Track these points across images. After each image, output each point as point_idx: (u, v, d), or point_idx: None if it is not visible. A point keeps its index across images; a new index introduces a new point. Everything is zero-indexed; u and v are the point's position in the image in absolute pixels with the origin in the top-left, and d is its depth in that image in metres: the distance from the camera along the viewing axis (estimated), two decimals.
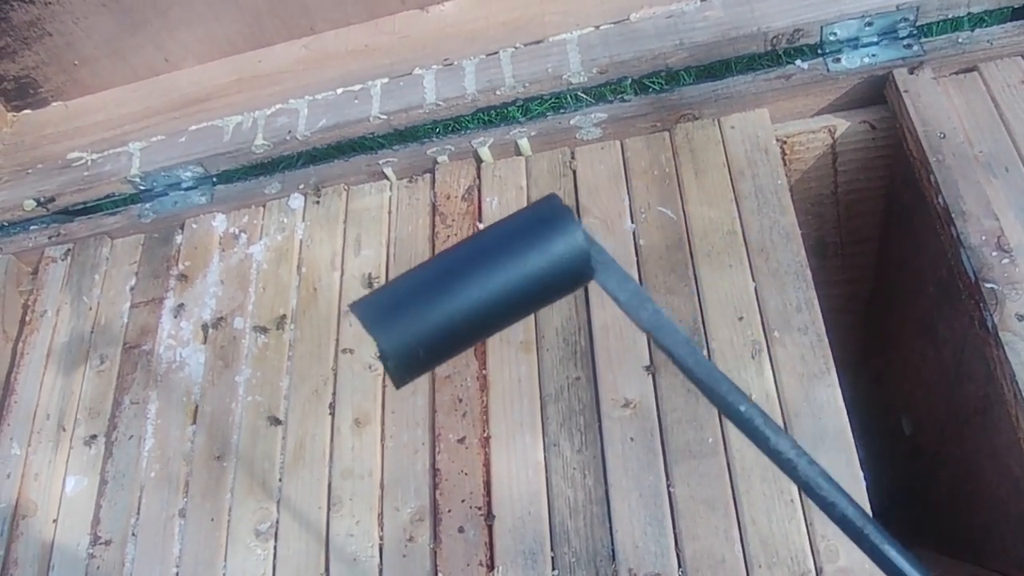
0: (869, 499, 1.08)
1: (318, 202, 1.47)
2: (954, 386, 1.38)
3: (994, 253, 1.16)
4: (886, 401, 1.65)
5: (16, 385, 1.46)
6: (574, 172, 1.38)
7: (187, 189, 1.53)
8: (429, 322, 0.57)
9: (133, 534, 1.30)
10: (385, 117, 1.43)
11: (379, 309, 0.58)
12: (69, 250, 1.56)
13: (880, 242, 1.53)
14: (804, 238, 1.26)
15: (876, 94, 1.36)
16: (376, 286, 1.37)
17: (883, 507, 1.08)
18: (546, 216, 0.60)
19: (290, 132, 1.47)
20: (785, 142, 1.37)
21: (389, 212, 1.43)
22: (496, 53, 1.43)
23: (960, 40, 1.32)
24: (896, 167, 1.39)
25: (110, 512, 1.33)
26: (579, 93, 1.44)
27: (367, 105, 1.45)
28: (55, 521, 1.35)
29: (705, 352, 1.20)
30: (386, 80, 1.46)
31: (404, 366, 0.58)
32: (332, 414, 1.30)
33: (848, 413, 1.14)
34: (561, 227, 0.59)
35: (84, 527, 1.33)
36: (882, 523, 1.00)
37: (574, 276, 0.62)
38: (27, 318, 1.52)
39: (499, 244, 0.59)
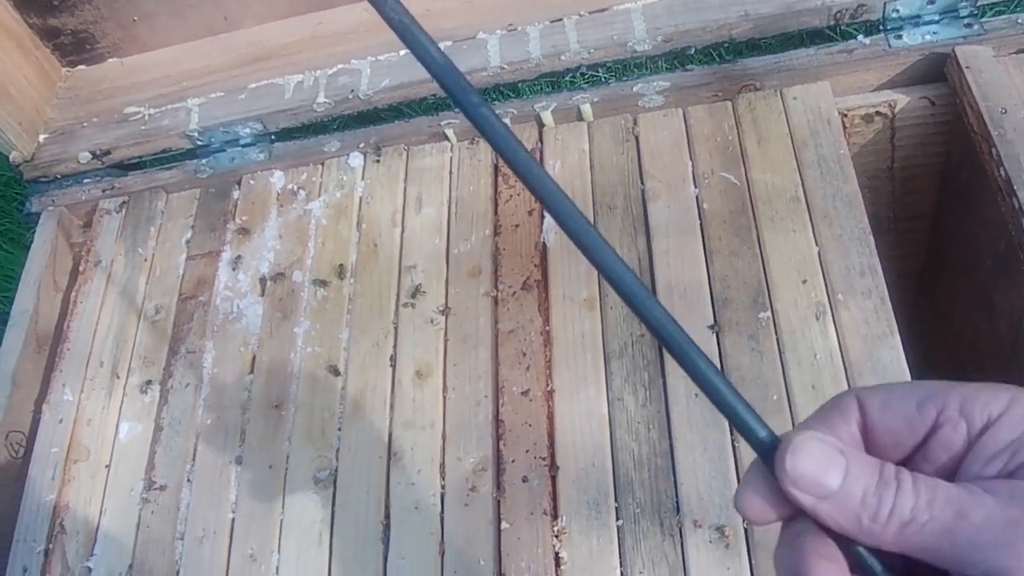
0: None
1: (378, 161, 1.48)
2: (1010, 359, 1.40)
3: None
4: (936, 376, 1.66)
5: (69, 333, 1.46)
6: (636, 138, 1.40)
7: (245, 146, 1.54)
8: None
9: (188, 480, 1.30)
10: None
11: None
12: (124, 203, 1.57)
13: (933, 219, 1.55)
14: None
15: (936, 72, 1.38)
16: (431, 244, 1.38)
17: None
18: None
19: (352, 91, 1.48)
20: (845, 115, 1.39)
21: (450, 172, 1.44)
22: (560, 20, 1.45)
23: (1020, 21, 1.35)
24: (954, 143, 1.41)
25: (165, 458, 1.33)
26: (642, 61, 1.45)
27: None
28: (107, 467, 1.35)
29: (769, 313, 1.22)
30: (449, 43, 1.48)
31: None
32: (393, 366, 1.31)
33: None
34: None
35: (138, 473, 1.33)
36: None
37: None
38: (80, 268, 1.52)
39: None
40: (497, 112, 1.40)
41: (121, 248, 1.52)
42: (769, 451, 0.47)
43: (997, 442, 0.42)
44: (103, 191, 1.58)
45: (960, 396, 0.44)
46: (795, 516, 0.46)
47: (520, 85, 1.52)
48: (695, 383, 0.49)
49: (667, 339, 0.48)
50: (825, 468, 0.44)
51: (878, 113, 1.39)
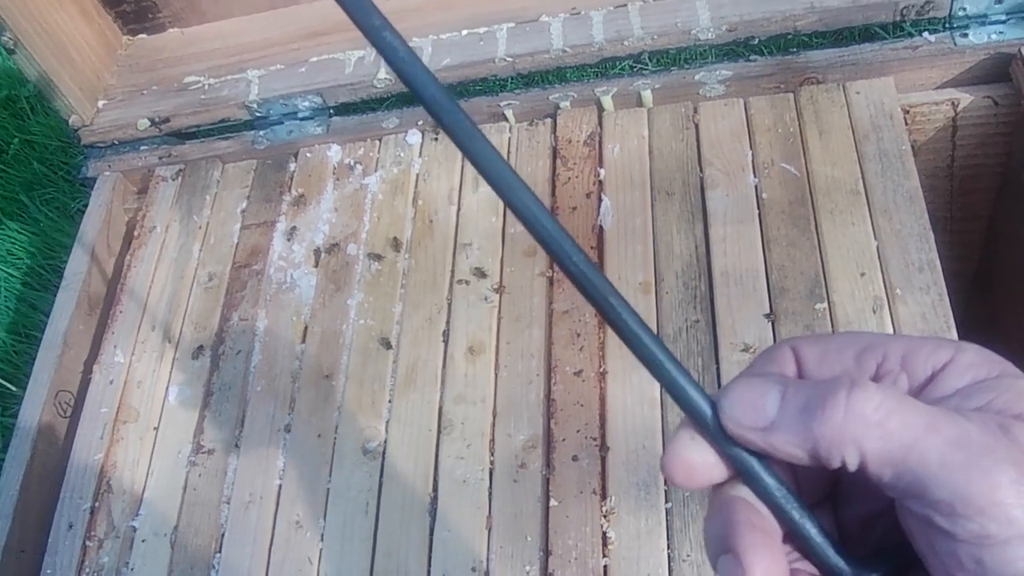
0: None
1: (436, 139, 1.49)
2: None
3: None
4: None
5: (122, 296, 1.48)
6: (696, 126, 1.40)
7: (303, 119, 1.55)
8: None
9: (236, 445, 1.31)
10: (510, 60, 1.45)
11: None
12: (180, 171, 1.58)
13: (990, 220, 1.54)
14: None
15: (1001, 72, 1.37)
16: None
17: None
18: None
19: None
20: (907, 112, 1.38)
21: (509, 152, 1.45)
22: (624, 5, 1.45)
23: None
24: (1016, 145, 1.41)
25: (214, 422, 1.34)
26: (705, 49, 1.45)
27: (492, 47, 1.47)
28: (156, 428, 1.36)
29: (825, 304, 1.21)
30: (512, 25, 1.48)
31: None
32: (445, 341, 1.31)
33: None
34: None
35: (186, 436, 1.34)
36: None
37: None
38: (135, 232, 1.54)
39: None
40: (557, 94, 1.41)
41: (176, 215, 1.53)
42: (704, 413, 0.42)
43: (943, 391, 0.39)
44: (160, 158, 1.60)
45: (901, 348, 0.41)
46: (724, 483, 0.43)
47: (585, 67, 1.51)
48: (624, 343, 0.43)
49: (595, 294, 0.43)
50: (762, 395, 0.40)
51: (940, 111, 1.38)
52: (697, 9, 1.42)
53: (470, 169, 1.45)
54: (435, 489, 1.21)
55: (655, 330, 1.24)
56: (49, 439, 1.42)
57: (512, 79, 1.48)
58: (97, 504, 1.32)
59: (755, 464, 0.41)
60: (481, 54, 1.46)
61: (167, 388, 1.39)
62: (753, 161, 1.35)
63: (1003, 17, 1.37)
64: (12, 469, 1.36)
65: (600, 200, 1.36)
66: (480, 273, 1.34)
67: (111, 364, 1.42)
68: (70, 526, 1.32)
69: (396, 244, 1.40)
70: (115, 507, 1.31)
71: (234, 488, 1.28)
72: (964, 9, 1.36)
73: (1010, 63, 1.35)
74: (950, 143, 1.42)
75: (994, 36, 1.36)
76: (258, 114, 1.56)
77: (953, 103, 1.38)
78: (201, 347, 1.40)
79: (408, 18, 1.54)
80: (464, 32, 1.49)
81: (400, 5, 1.56)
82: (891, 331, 1.18)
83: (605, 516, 1.14)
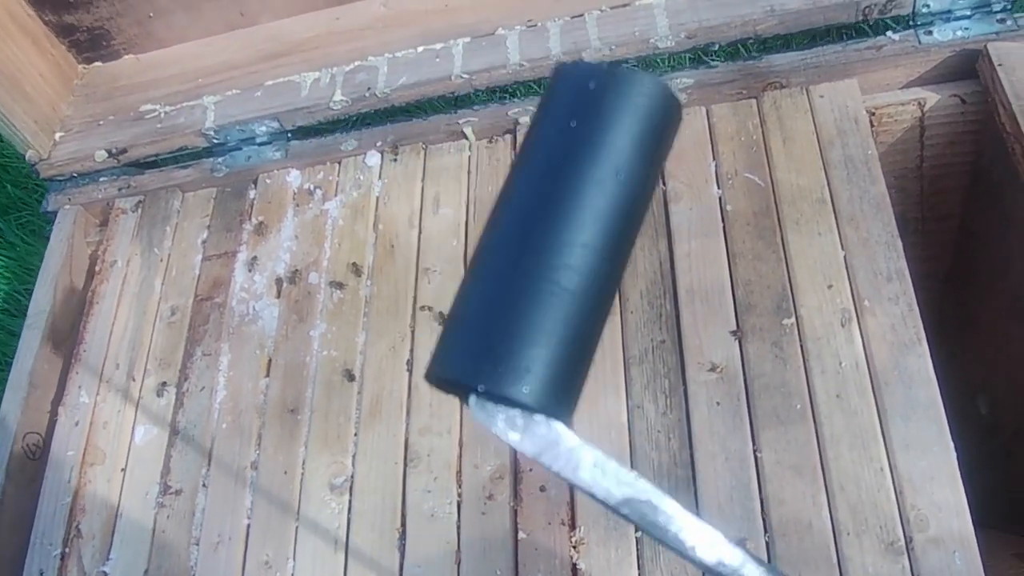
0: (960, 471, 1.07)
1: (395, 160, 1.46)
2: None
3: None
4: (961, 380, 1.63)
5: (85, 334, 1.45)
6: None
7: (261, 144, 1.52)
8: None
9: (204, 484, 1.29)
10: (467, 76, 1.42)
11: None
12: (140, 202, 1.55)
13: (962, 219, 1.52)
14: None
15: (967, 68, 1.34)
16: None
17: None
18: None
19: (369, 89, 1.46)
20: (873, 114, 1.35)
21: (468, 172, 1.42)
22: (581, 15, 1.42)
23: None
24: (984, 143, 1.38)
25: (180, 462, 1.32)
26: (665, 57, 1.42)
27: (449, 64, 1.44)
28: (123, 470, 1.34)
29: (793, 319, 1.19)
30: (468, 40, 1.45)
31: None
32: (409, 371, 1.29)
33: None
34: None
35: (153, 476, 1.32)
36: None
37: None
38: (96, 268, 1.51)
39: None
40: (516, 109, 1.38)
41: (137, 248, 1.51)
42: None
43: None
44: (119, 189, 1.57)
45: None
46: None
47: (544, 81, 1.49)
48: None
49: None
50: None
51: (907, 111, 1.35)
52: (655, 17, 1.39)
53: (430, 190, 1.42)
54: (403, 524, 1.19)
55: (620, 353, 1.22)
56: (18, 483, 1.40)
57: (470, 95, 1.45)
58: (67, 550, 1.30)
59: None
60: (438, 71, 1.44)
61: (133, 428, 1.37)
62: (717, 172, 1.32)
63: (968, 12, 1.34)
64: None
65: None
66: (443, 297, 1.32)
67: (76, 405, 1.40)
68: (41, 573, 1.30)
69: (357, 271, 1.37)
70: (85, 553, 1.30)
71: (203, 529, 1.26)
72: (928, 6, 1.33)
73: (976, 60, 1.32)
74: (918, 143, 1.39)
75: (959, 33, 1.33)
76: (216, 141, 1.53)
77: (920, 103, 1.35)
78: (165, 384, 1.38)
79: (363, 36, 1.51)
80: (420, 49, 1.46)
81: (354, 23, 1.53)
82: (859, 344, 1.15)
83: (575, 547, 1.12)
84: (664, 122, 0.44)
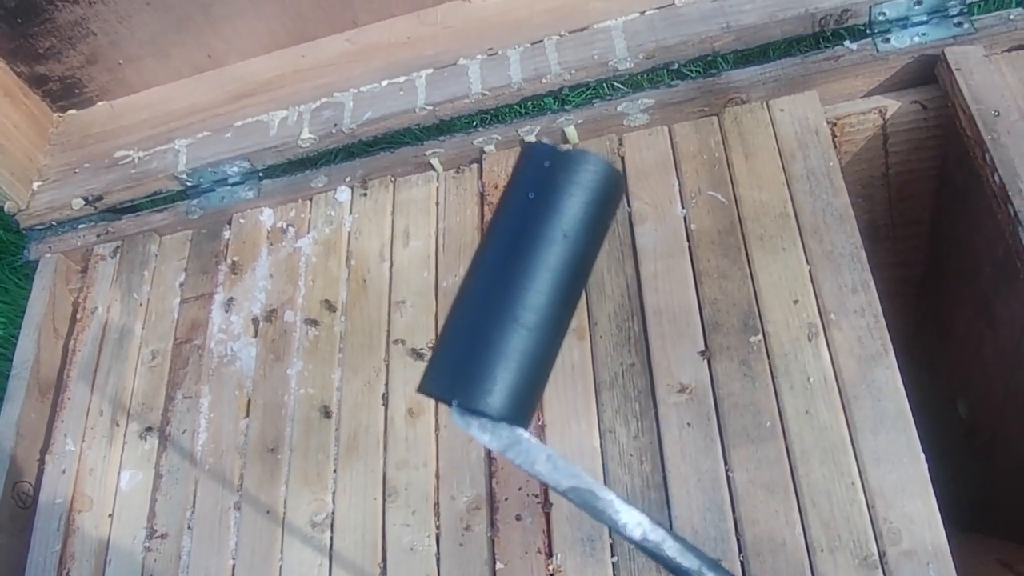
0: (932, 481, 1.07)
1: (365, 194, 1.47)
2: (1013, 366, 1.37)
3: None
4: (940, 384, 1.63)
5: (69, 382, 1.47)
6: (622, 158, 1.37)
7: (234, 184, 1.54)
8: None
9: (189, 527, 1.31)
10: (431, 108, 1.43)
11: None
12: (118, 247, 1.57)
13: (932, 224, 1.52)
14: (855, 221, 1.25)
15: (927, 74, 1.34)
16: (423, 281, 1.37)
17: (936, 492, 1.08)
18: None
19: (336, 125, 1.47)
20: (835, 124, 1.36)
21: (437, 203, 1.43)
22: (541, 41, 1.43)
23: (1012, 17, 1.31)
24: (948, 147, 1.38)
25: (165, 505, 1.33)
26: (625, 79, 1.43)
27: (412, 96, 1.45)
28: (111, 515, 1.36)
29: (760, 336, 1.19)
30: (431, 71, 1.46)
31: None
32: (385, 405, 1.30)
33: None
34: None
35: (140, 521, 1.34)
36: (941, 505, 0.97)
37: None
38: (78, 315, 1.53)
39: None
40: (481, 138, 1.39)
41: (117, 294, 1.52)
42: None
43: None
44: (98, 236, 1.59)
45: None
46: None
47: (507, 108, 1.50)
48: None
49: None
50: None
51: (869, 119, 1.36)
52: (613, 39, 1.39)
53: (400, 223, 1.43)
54: (384, 559, 1.20)
55: (591, 378, 1.23)
56: (11, 532, 1.42)
57: (435, 126, 1.46)
58: None
59: None
60: (402, 104, 1.45)
61: (119, 473, 1.38)
62: (680, 191, 1.33)
63: (924, 18, 1.34)
64: None
65: None
66: (415, 331, 1.33)
67: (62, 453, 1.42)
68: None
69: (331, 307, 1.38)
70: None
71: (189, 571, 1.28)
72: (884, 14, 1.33)
73: (935, 65, 1.32)
74: (882, 151, 1.39)
75: (917, 39, 1.33)
76: (189, 184, 1.54)
77: (881, 110, 1.35)
78: (149, 428, 1.39)
79: (328, 73, 1.52)
80: (384, 83, 1.48)
81: (319, 60, 1.54)
82: (827, 358, 1.16)
83: (552, 575, 1.13)
84: (605, 193, 0.53)
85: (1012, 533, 1.50)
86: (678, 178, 1.34)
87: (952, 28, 1.32)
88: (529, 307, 0.51)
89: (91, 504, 1.37)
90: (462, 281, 0.54)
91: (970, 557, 1.38)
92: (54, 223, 1.61)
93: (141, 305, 1.50)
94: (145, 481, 1.36)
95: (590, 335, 1.26)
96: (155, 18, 1.52)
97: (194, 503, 1.32)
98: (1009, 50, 1.31)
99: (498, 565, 1.15)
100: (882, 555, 1.04)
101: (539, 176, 0.53)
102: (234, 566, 1.26)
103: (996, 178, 1.20)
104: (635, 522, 0.52)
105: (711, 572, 0.52)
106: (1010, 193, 1.17)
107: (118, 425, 1.41)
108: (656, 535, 0.53)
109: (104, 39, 1.55)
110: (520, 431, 0.52)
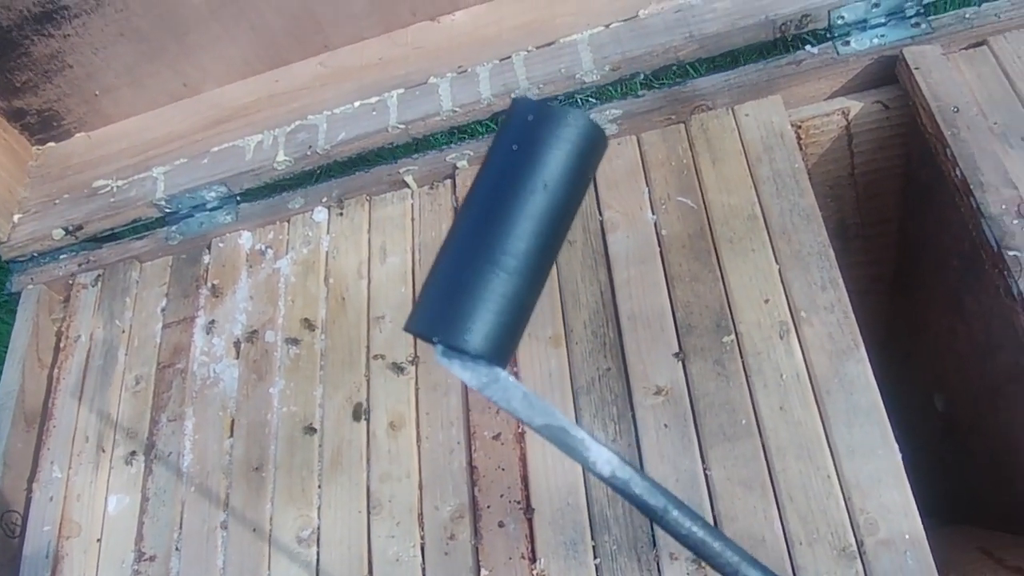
0: (906, 472, 1.09)
1: (341, 214, 1.49)
2: (985, 358, 1.39)
3: (1015, 221, 1.16)
4: (917, 380, 1.65)
5: (54, 410, 1.48)
6: None
7: (212, 209, 1.56)
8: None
9: (177, 548, 1.31)
10: (403, 127, 1.45)
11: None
12: (99, 276, 1.59)
13: (900, 221, 1.54)
14: (824, 221, 1.27)
15: (887, 74, 1.37)
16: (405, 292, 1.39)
17: (918, 486, 1.09)
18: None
19: (310, 147, 1.49)
20: (800, 127, 1.38)
21: (412, 219, 1.45)
22: (509, 57, 1.45)
23: (967, 16, 1.34)
24: (912, 145, 1.40)
25: (153, 528, 1.34)
26: (593, 91, 1.45)
27: (385, 116, 1.47)
28: (99, 540, 1.36)
29: (733, 336, 1.21)
30: (402, 91, 1.49)
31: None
32: (367, 419, 1.31)
33: (879, 391, 1.15)
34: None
35: (128, 544, 1.34)
36: (919, 501, 0.99)
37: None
38: (61, 344, 1.54)
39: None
40: (454, 154, 1.41)
41: (99, 321, 1.54)
42: None
43: None
44: (79, 265, 1.60)
45: None
46: None
47: (478, 124, 1.52)
48: None
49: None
50: None
51: (832, 121, 1.38)
52: (579, 52, 1.42)
53: (377, 240, 1.45)
54: (370, 572, 1.21)
55: (568, 384, 1.25)
56: (0, 563, 1.42)
57: (408, 144, 1.49)
58: None
59: None
60: (375, 124, 1.47)
61: (106, 499, 1.39)
62: (650, 198, 1.35)
63: (883, 20, 1.37)
64: None
65: None
66: (394, 345, 1.34)
67: (50, 480, 1.43)
68: None
69: (311, 326, 1.40)
70: None
71: None
72: (843, 17, 1.36)
73: (895, 65, 1.35)
74: (848, 151, 1.42)
75: (876, 40, 1.36)
76: (168, 210, 1.56)
77: (844, 112, 1.38)
78: (134, 452, 1.40)
79: (302, 96, 1.55)
80: (357, 103, 1.50)
81: (292, 84, 1.57)
82: (799, 355, 1.18)
83: None
84: (585, 147, 0.56)
85: (992, 523, 1.51)
86: (648, 185, 1.36)
87: (910, 29, 1.35)
88: (509, 252, 0.53)
89: (79, 530, 1.37)
90: (451, 225, 0.57)
91: (952, 548, 1.39)
92: (35, 254, 1.62)
93: (124, 331, 1.52)
94: (132, 505, 1.37)
95: (566, 342, 1.28)
96: (130, 48, 1.54)
97: (181, 524, 1.33)
98: (966, 48, 1.34)
99: (483, 572, 1.16)
100: (860, 546, 1.05)
101: (522, 129, 0.55)
102: None
103: (958, 172, 1.22)
104: (604, 459, 0.54)
105: (676, 510, 0.54)
106: (971, 186, 1.19)
107: (104, 450, 1.42)
108: (624, 473, 0.54)
109: (80, 71, 1.57)
110: (498, 370, 0.53)
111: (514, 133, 0.56)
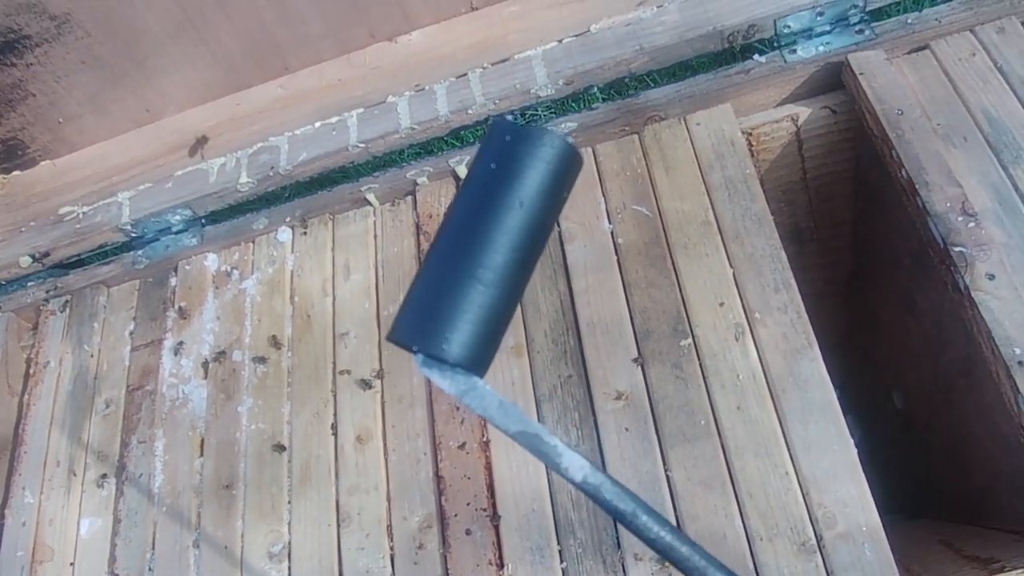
0: (863, 466, 1.11)
1: (305, 233, 1.51)
2: (938, 354, 1.42)
3: (960, 218, 1.20)
4: (876, 378, 1.68)
5: (25, 436, 1.49)
6: None
7: (177, 232, 1.57)
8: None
9: (150, 569, 1.32)
10: (363, 145, 1.48)
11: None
12: (67, 302, 1.60)
13: (853, 224, 1.57)
14: (779, 226, 1.30)
15: (834, 80, 1.40)
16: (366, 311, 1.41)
17: (881, 483, 1.11)
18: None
19: (273, 168, 1.51)
20: (751, 134, 1.41)
21: (375, 236, 1.47)
22: (465, 75, 1.48)
23: (910, 21, 1.37)
24: (860, 148, 1.44)
25: (126, 550, 1.35)
26: (548, 105, 1.48)
27: (345, 135, 1.50)
28: (72, 564, 1.37)
29: (690, 339, 1.24)
30: (361, 110, 1.51)
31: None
32: (335, 434, 1.33)
33: (838, 391, 1.17)
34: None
35: (101, 567, 1.35)
36: (882, 498, 1.01)
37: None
38: (31, 371, 1.55)
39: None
40: (414, 171, 1.43)
41: (68, 347, 1.55)
42: None
43: None
44: (47, 292, 1.62)
45: None
46: None
47: (436, 141, 1.54)
48: None
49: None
50: None
51: (782, 127, 1.41)
52: (533, 68, 1.45)
53: (340, 258, 1.47)
54: None
55: (531, 392, 1.27)
56: None
57: (369, 163, 1.51)
58: None
59: None
60: (335, 143, 1.49)
61: (78, 522, 1.40)
62: (607, 208, 1.38)
63: (828, 28, 1.40)
64: None
65: None
66: (359, 361, 1.36)
67: (22, 506, 1.43)
68: None
69: (277, 344, 1.42)
70: None
71: None
72: (788, 26, 1.40)
73: (841, 71, 1.39)
74: (798, 156, 1.45)
75: (822, 48, 1.39)
76: (133, 235, 1.58)
77: (793, 118, 1.41)
78: (105, 475, 1.41)
79: (263, 118, 1.57)
80: (317, 124, 1.52)
81: (254, 107, 1.59)
82: (754, 355, 1.20)
83: None
84: (560, 167, 0.58)
85: (952, 515, 1.54)
86: (603, 195, 1.39)
87: (854, 35, 1.39)
88: (487, 266, 0.56)
89: (52, 554, 1.38)
90: (433, 240, 0.59)
91: (916, 541, 1.42)
92: (2, 282, 1.63)
93: (93, 356, 1.53)
94: (104, 527, 1.38)
95: (528, 351, 1.30)
96: (92, 76, 1.55)
97: (153, 545, 1.34)
98: (909, 52, 1.38)
99: None
100: (819, 539, 1.08)
101: (501, 149, 0.58)
102: None
103: (904, 173, 1.25)
104: (577, 465, 0.57)
105: (644, 515, 0.57)
106: (917, 186, 1.23)
107: (75, 474, 1.43)
108: (596, 479, 0.57)
109: (43, 99, 1.58)
110: (476, 379, 0.56)
111: (493, 152, 0.58)
